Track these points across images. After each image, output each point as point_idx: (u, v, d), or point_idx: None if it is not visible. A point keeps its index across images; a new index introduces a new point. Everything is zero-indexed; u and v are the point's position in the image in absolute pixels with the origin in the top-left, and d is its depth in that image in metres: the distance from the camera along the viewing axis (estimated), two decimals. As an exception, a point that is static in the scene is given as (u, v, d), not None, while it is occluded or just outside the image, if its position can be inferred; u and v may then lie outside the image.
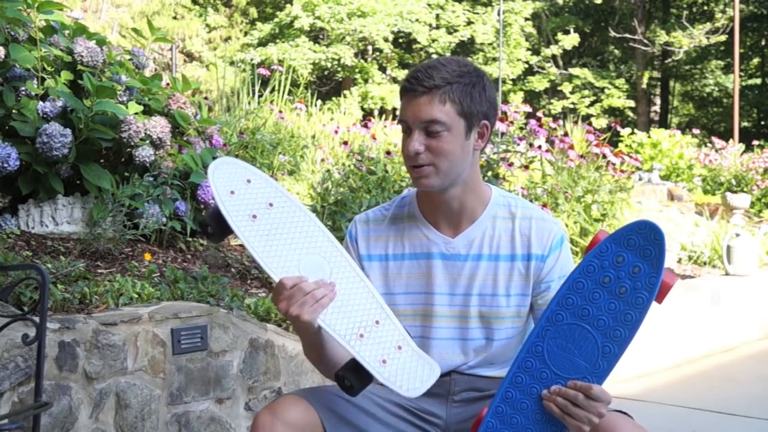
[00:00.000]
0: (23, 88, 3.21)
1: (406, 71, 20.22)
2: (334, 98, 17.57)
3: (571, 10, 23.12)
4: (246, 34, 19.68)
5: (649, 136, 11.24)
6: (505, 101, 14.99)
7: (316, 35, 19.17)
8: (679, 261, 5.78)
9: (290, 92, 6.49)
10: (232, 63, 16.28)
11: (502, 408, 1.50)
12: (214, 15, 19.94)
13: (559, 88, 22.00)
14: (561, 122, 6.70)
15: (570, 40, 20.88)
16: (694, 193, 8.97)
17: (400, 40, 19.91)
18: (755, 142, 12.29)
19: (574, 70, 21.89)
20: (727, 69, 22.80)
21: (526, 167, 5.33)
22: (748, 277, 5.52)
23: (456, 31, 19.61)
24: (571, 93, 21.66)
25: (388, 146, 5.36)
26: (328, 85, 19.48)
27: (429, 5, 19.31)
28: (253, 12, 20.22)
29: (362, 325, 1.51)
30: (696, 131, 12.91)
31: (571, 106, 20.62)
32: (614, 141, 10.97)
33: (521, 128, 5.62)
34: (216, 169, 1.50)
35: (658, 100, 25.71)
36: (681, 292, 4.90)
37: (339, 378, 1.51)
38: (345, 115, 8.20)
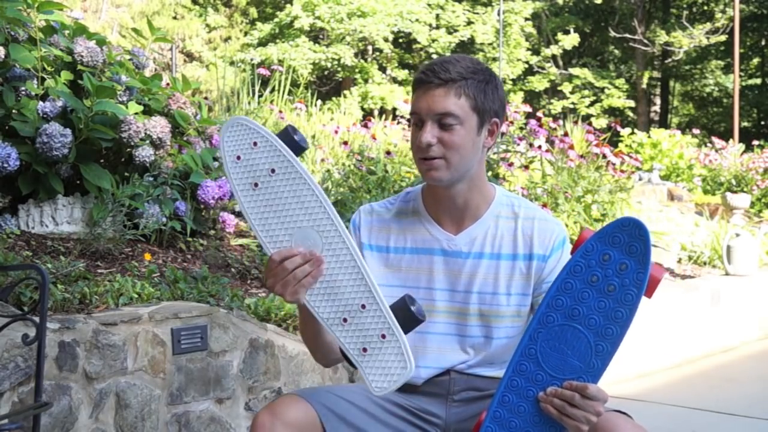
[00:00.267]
0: (23, 88, 3.21)
1: (406, 71, 20.21)
2: (334, 98, 17.57)
3: (571, 10, 23.11)
4: (246, 34, 19.68)
5: (649, 136, 11.24)
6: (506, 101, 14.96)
7: (316, 35, 19.17)
8: (679, 261, 5.78)
9: (290, 92, 6.49)
10: (232, 63, 16.28)
11: (500, 412, 1.50)
12: (214, 15, 19.93)
13: (559, 88, 22.00)
14: (561, 122, 6.70)
15: (570, 40, 20.88)
16: (694, 193, 8.97)
17: (400, 40, 19.90)
18: (755, 142, 12.29)
19: (574, 70, 21.88)
20: (727, 69, 22.80)
21: (526, 167, 5.33)
22: (748, 277, 5.52)
23: (456, 31, 19.60)
24: (571, 93, 21.65)
25: (388, 146, 5.36)
26: (328, 85, 19.47)
27: (429, 5, 19.30)
28: (253, 12, 20.22)
29: (347, 308, 1.46)
30: (696, 131, 12.90)
31: (571, 106, 20.61)
32: (614, 141, 10.97)
33: (521, 128, 5.62)
34: (226, 131, 1.49)
35: (658, 100, 25.71)
36: (681, 292, 4.90)
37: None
38: (345, 115, 8.19)
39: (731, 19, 18.34)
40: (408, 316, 1.44)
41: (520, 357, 1.49)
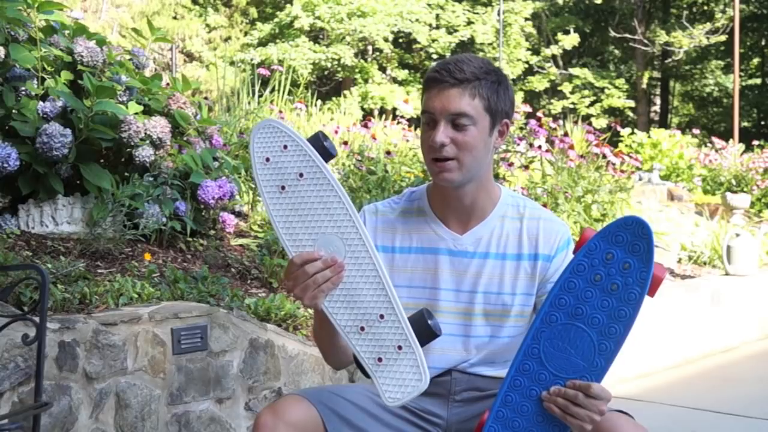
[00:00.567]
0: (23, 88, 3.21)
1: (406, 71, 20.19)
2: (334, 98, 17.57)
3: (571, 10, 23.11)
4: (246, 34, 19.68)
5: (649, 136, 11.23)
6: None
7: (316, 35, 19.17)
8: (679, 261, 5.78)
9: (290, 92, 6.48)
10: (232, 63, 16.27)
11: (503, 412, 1.50)
12: (214, 15, 19.93)
13: (559, 88, 22.00)
14: (561, 122, 6.70)
15: (570, 40, 20.88)
16: (694, 193, 8.96)
17: (400, 40, 19.90)
18: (755, 142, 12.27)
19: (574, 70, 21.88)
20: (727, 69, 22.79)
21: (526, 167, 5.33)
22: (748, 277, 5.52)
23: (456, 31, 19.60)
24: (571, 93, 21.65)
25: (388, 146, 5.36)
26: (328, 85, 19.47)
27: (429, 5, 19.31)
28: (253, 12, 20.22)
29: (365, 317, 1.46)
30: (696, 131, 12.88)
31: (571, 106, 20.61)
32: (614, 141, 10.96)
33: (521, 128, 5.62)
34: (256, 132, 1.50)
35: (658, 100, 25.71)
36: (681, 292, 4.90)
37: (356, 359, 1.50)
38: (345, 115, 8.19)
39: (731, 19, 18.34)
40: (425, 329, 1.45)
41: (523, 357, 1.49)
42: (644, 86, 23.45)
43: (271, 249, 3.53)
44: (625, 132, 11.63)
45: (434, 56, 19.22)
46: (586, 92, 21.87)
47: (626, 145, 11.27)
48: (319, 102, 7.40)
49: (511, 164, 5.14)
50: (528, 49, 21.18)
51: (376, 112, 14.10)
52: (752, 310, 5.48)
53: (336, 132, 5.76)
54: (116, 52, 3.62)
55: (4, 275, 2.50)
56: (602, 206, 5.03)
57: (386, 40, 18.43)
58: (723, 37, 20.42)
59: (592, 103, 21.86)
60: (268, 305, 2.93)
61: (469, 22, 19.92)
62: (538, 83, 21.69)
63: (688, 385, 4.31)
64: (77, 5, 14.32)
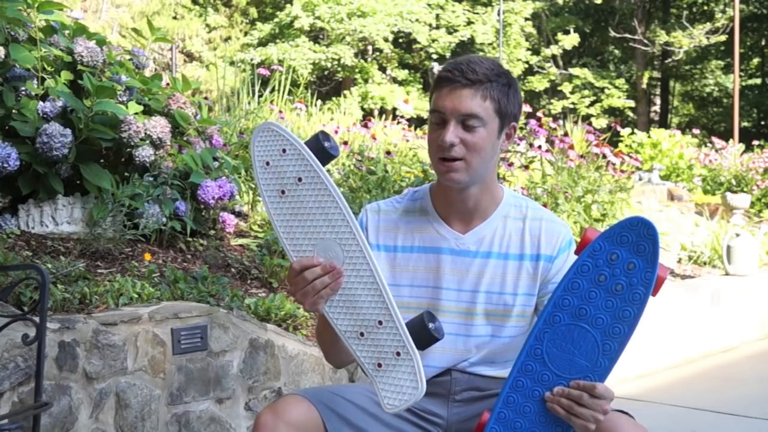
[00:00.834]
0: (23, 88, 3.21)
1: (406, 71, 20.18)
2: (334, 98, 17.57)
3: (571, 10, 23.12)
4: (246, 34, 19.68)
5: (649, 136, 11.23)
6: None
7: (316, 35, 19.17)
8: (679, 261, 5.78)
9: (290, 92, 6.47)
10: (232, 63, 16.28)
11: (505, 413, 1.50)
12: (214, 15, 19.94)
13: (559, 88, 22.00)
14: (561, 122, 6.69)
15: (570, 40, 20.88)
16: (694, 193, 8.96)
17: (400, 40, 19.90)
18: (755, 142, 12.27)
19: (574, 70, 21.88)
20: (727, 69, 22.79)
21: (526, 167, 5.33)
22: (748, 277, 5.52)
23: (456, 31, 19.60)
24: (571, 93, 21.65)
25: (388, 146, 5.36)
26: (328, 85, 19.47)
27: (429, 5, 19.30)
28: (253, 12, 20.22)
29: (364, 323, 1.47)
30: (696, 131, 12.88)
31: (571, 106, 20.61)
32: (614, 141, 10.96)
33: (521, 128, 5.62)
34: (256, 136, 1.50)
35: (658, 100, 25.71)
36: (681, 292, 4.90)
37: None
38: (345, 115, 8.18)
39: (731, 19, 18.34)
40: (425, 334, 1.45)
41: (525, 357, 1.49)
42: (644, 86, 23.45)
43: (271, 249, 3.53)
44: (625, 132, 11.63)
45: (434, 56, 19.23)
46: (586, 92, 21.87)
47: (626, 145, 11.27)
48: (319, 102, 7.40)
49: (511, 164, 5.14)
50: (528, 49, 21.18)
51: (376, 112, 14.10)
52: (752, 310, 5.48)
53: (336, 132, 5.76)
54: (116, 52, 3.62)
55: (4, 275, 2.50)
56: (602, 206, 5.03)
57: (386, 40, 18.43)
58: (723, 37, 20.42)
59: (592, 103, 21.86)
60: (268, 305, 2.93)
61: (469, 22, 19.93)
62: (538, 83, 21.69)
63: (688, 385, 4.31)
64: (77, 5, 14.32)
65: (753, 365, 4.81)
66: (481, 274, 1.71)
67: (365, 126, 5.87)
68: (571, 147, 5.46)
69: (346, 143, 5.22)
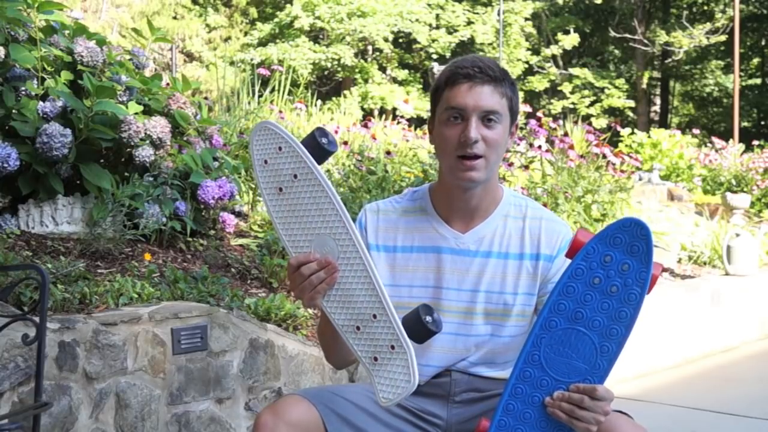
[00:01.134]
0: (23, 88, 3.21)
1: (406, 71, 20.13)
2: (334, 98, 17.57)
3: (571, 10, 23.11)
4: (246, 34, 19.68)
5: (649, 136, 11.23)
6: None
7: (316, 35, 19.17)
8: (679, 261, 5.78)
9: (290, 92, 6.47)
10: (232, 63, 16.27)
11: (506, 421, 1.50)
12: (214, 15, 19.94)
13: (559, 88, 22.00)
14: (561, 122, 6.69)
15: (570, 40, 20.88)
16: (694, 193, 8.96)
17: (400, 40, 19.90)
18: (755, 142, 12.27)
19: (574, 70, 21.88)
20: (727, 69, 22.79)
21: (526, 167, 5.33)
22: (748, 277, 5.52)
23: (456, 31, 19.60)
24: (571, 93, 21.65)
25: (388, 146, 5.36)
26: (328, 85, 19.47)
27: (429, 5, 19.31)
28: (253, 12, 20.22)
29: (360, 317, 1.48)
30: (696, 131, 12.88)
31: (571, 106, 20.61)
32: (614, 141, 10.96)
33: (521, 128, 5.62)
34: (254, 135, 1.53)
35: (658, 100, 25.70)
36: (681, 292, 4.90)
37: None
38: (345, 115, 8.18)
39: (731, 19, 18.34)
40: (420, 327, 1.45)
41: (523, 364, 1.49)
42: (644, 86, 23.45)
43: (271, 249, 3.53)
44: (625, 132, 11.63)
45: (434, 56, 19.22)
46: (586, 92, 21.86)
47: (626, 145, 11.27)
48: (319, 102, 7.40)
49: (511, 164, 5.14)
50: (528, 49, 21.18)
51: (376, 112, 14.10)
52: (752, 310, 5.48)
53: (336, 132, 5.77)
54: (116, 52, 3.62)
55: (4, 275, 2.50)
56: (602, 206, 5.03)
57: (386, 40, 18.43)
58: (723, 37, 20.42)
59: (592, 103, 21.86)
60: (268, 305, 2.93)
61: (469, 22, 19.93)
62: (538, 83, 21.69)
63: (688, 385, 4.31)
64: (77, 5, 14.32)
65: (753, 365, 4.81)
66: (481, 274, 1.71)
67: (365, 126, 5.87)
68: (571, 147, 5.46)
69: (346, 143, 5.21)
